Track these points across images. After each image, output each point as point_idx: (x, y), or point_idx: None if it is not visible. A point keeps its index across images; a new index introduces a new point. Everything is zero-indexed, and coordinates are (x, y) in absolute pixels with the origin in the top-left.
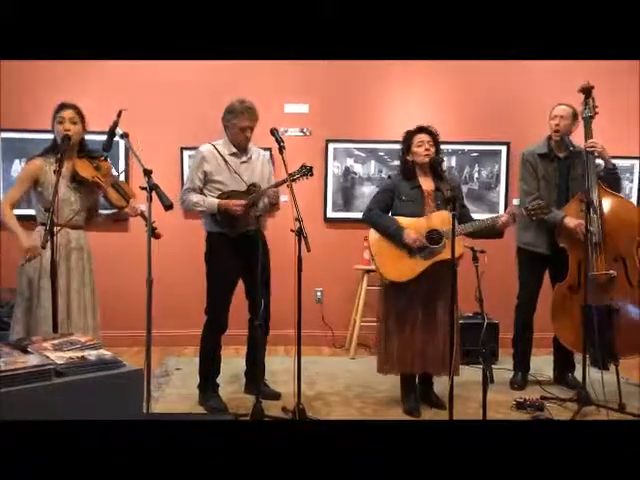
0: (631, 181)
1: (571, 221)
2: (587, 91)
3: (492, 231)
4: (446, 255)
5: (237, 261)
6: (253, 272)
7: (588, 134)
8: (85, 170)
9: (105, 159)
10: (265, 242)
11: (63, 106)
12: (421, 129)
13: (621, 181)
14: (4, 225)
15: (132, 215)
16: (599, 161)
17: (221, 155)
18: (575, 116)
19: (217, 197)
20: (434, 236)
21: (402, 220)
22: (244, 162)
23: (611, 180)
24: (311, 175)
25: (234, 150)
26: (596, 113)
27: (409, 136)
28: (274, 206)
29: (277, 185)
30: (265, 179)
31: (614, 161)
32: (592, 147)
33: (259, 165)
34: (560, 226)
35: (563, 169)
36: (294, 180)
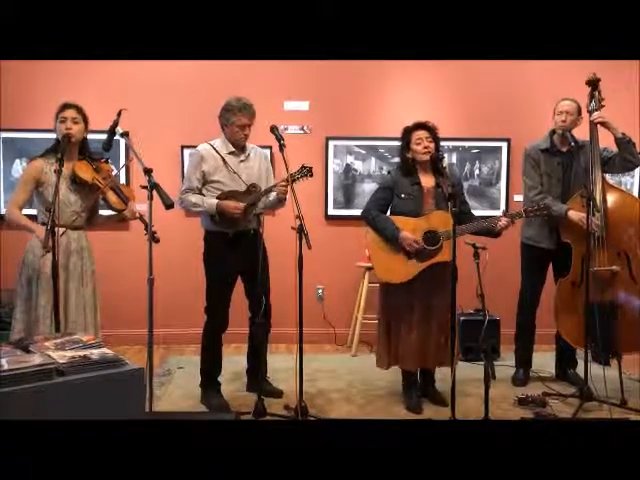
0: (632, 176)
1: (575, 214)
2: (593, 83)
3: (489, 232)
4: (441, 258)
5: (236, 260)
6: (252, 271)
7: (593, 128)
8: (85, 172)
9: (106, 161)
10: (263, 241)
11: (66, 106)
12: (419, 125)
13: (635, 146)
14: (17, 226)
15: (131, 218)
16: (604, 146)
17: (219, 154)
18: (579, 111)
19: (216, 197)
20: (431, 237)
21: (400, 220)
22: (242, 161)
23: (626, 148)
24: (311, 176)
25: (232, 149)
26: (602, 106)
27: (407, 133)
28: (281, 202)
29: (277, 186)
30: (264, 177)
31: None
32: (599, 118)
33: (257, 163)
34: (564, 219)
35: (566, 163)
36: (294, 181)
